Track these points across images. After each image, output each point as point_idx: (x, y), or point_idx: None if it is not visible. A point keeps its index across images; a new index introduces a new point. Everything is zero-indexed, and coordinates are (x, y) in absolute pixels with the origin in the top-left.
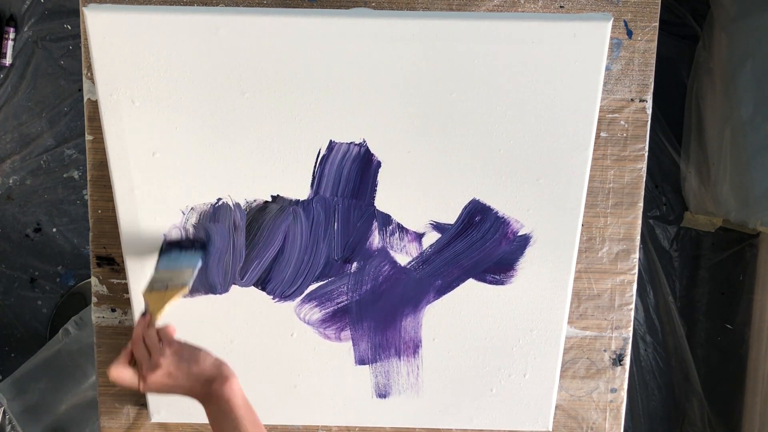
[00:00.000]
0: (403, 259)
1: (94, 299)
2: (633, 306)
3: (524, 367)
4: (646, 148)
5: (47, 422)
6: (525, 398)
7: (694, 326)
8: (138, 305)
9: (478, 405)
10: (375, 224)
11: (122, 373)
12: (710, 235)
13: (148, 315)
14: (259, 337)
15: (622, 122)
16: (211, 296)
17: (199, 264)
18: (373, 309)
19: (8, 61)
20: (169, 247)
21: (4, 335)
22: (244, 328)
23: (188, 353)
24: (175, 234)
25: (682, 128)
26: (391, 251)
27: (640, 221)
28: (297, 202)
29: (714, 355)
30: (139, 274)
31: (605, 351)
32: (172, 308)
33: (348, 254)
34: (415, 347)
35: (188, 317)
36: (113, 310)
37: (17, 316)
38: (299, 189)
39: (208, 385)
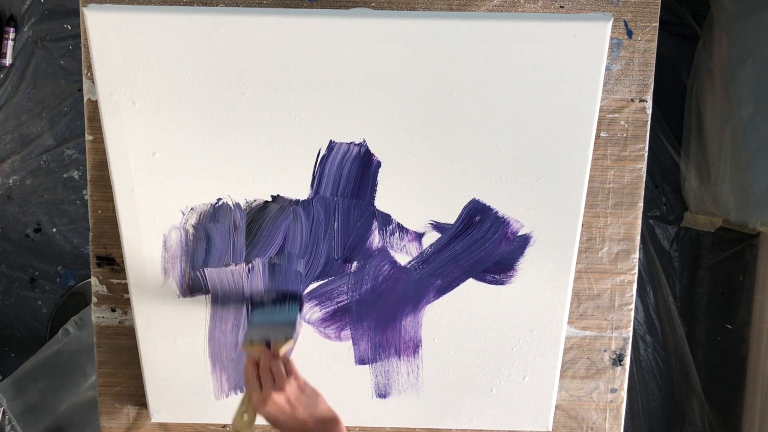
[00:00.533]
0: (403, 258)
1: (94, 299)
2: (633, 306)
3: (524, 368)
4: (646, 148)
5: (47, 422)
6: (525, 398)
7: (694, 326)
8: (138, 305)
9: (478, 405)
10: (375, 224)
11: (252, 382)
12: (710, 235)
13: (278, 343)
14: None
15: (622, 122)
16: (209, 296)
17: (299, 319)
18: (373, 308)
19: (8, 61)
20: (261, 302)
21: (4, 335)
22: None
23: (310, 391)
24: (268, 292)
25: (682, 128)
26: (391, 251)
27: (640, 221)
28: (297, 202)
29: (714, 355)
30: (140, 274)
31: (605, 351)
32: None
33: (348, 254)
34: (415, 347)
35: (188, 317)
36: (113, 310)
37: (17, 316)
38: (299, 189)
39: (325, 423)
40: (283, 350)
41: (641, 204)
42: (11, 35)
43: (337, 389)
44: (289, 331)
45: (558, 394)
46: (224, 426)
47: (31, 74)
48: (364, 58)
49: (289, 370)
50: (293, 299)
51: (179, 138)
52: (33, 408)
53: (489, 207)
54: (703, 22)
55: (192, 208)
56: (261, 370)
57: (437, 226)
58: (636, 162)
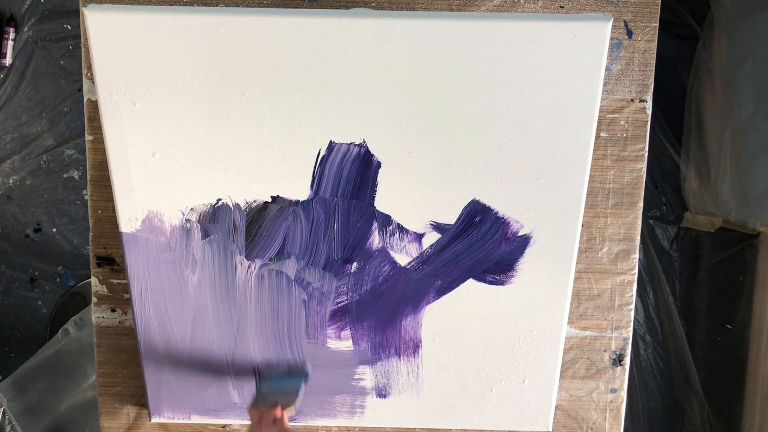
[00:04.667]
0: (403, 259)
1: (94, 299)
2: (633, 306)
3: (524, 368)
4: (646, 148)
5: (47, 422)
6: (525, 398)
7: (694, 326)
8: (138, 305)
9: (478, 405)
10: (375, 224)
11: None
12: (710, 235)
13: (278, 408)
14: None
15: (622, 122)
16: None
17: (303, 389)
18: (373, 309)
19: (8, 61)
20: (270, 371)
21: (4, 335)
22: None
23: None
24: (276, 361)
25: (682, 128)
26: (391, 251)
27: (640, 221)
28: (297, 202)
29: (714, 355)
30: (140, 274)
31: (605, 351)
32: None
33: (348, 254)
34: (415, 347)
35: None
36: (113, 310)
37: (17, 316)
38: (299, 189)
39: None
40: (284, 414)
41: (641, 204)
42: (11, 35)
43: (337, 390)
44: (292, 398)
45: (558, 394)
46: (224, 426)
47: (31, 74)
48: (364, 58)
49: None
50: (299, 371)
51: (179, 138)
52: (33, 408)
53: (489, 207)
54: (703, 22)
55: (192, 208)
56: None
57: (437, 227)
58: (636, 162)
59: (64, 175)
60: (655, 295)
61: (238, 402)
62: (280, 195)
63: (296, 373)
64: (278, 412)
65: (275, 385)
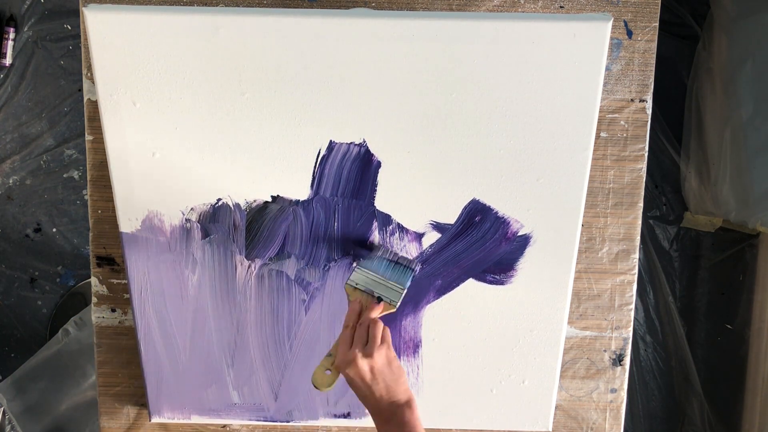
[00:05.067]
0: None
1: (94, 299)
2: (633, 306)
3: (524, 368)
4: (646, 148)
5: (47, 422)
6: (525, 398)
7: (694, 326)
8: (138, 305)
9: (478, 405)
10: (375, 224)
11: (345, 338)
12: (710, 236)
13: (382, 304)
14: None
15: (622, 122)
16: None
17: (408, 285)
18: None
19: (8, 61)
20: (385, 255)
21: (4, 335)
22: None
23: (396, 367)
24: (386, 249)
25: (682, 128)
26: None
27: (640, 221)
28: (297, 202)
29: (714, 355)
30: (140, 274)
31: (605, 351)
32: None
33: (348, 254)
34: (415, 347)
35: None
36: (113, 310)
37: (17, 316)
38: (299, 189)
39: (397, 406)
40: (384, 312)
41: (641, 204)
42: (11, 35)
43: (337, 389)
44: (394, 295)
45: (558, 394)
46: (224, 426)
47: (31, 74)
48: (364, 58)
49: (384, 338)
50: (408, 267)
51: (179, 138)
52: (33, 408)
53: (489, 207)
54: (703, 22)
55: (192, 208)
56: (359, 324)
57: (437, 227)
58: (636, 162)
59: (64, 175)
60: (655, 295)
61: (238, 402)
62: (280, 195)
63: (405, 267)
64: (380, 308)
65: (382, 269)
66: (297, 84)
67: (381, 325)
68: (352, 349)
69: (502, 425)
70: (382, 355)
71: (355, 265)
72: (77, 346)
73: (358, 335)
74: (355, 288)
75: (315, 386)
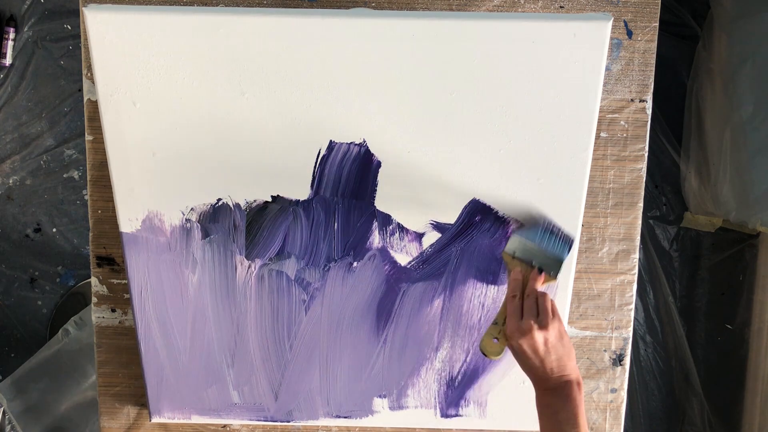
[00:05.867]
0: (403, 258)
1: (94, 299)
2: (633, 306)
3: None
4: (646, 148)
5: (47, 422)
6: (525, 398)
7: (694, 326)
8: (138, 305)
9: (478, 405)
10: (375, 224)
11: (514, 307)
12: (710, 236)
13: (544, 275)
14: None
15: (622, 122)
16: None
17: (565, 257)
18: None
19: (8, 61)
20: (547, 228)
21: (4, 335)
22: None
23: (567, 341)
24: (544, 219)
25: (682, 128)
26: (391, 251)
27: (640, 221)
28: (297, 202)
29: (714, 355)
30: (140, 274)
31: (605, 351)
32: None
33: (348, 254)
34: None
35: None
36: (113, 310)
37: (17, 316)
38: (299, 189)
39: (566, 381)
40: (545, 284)
41: (641, 204)
42: (11, 35)
43: (341, 396)
44: (554, 267)
45: None
46: (224, 426)
47: (31, 74)
48: (364, 58)
49: (554, 311)
50: (565, 241)
51: (179, 138)
52: (33, 408)
53: (489, 207)
54: (703, 22)
55: (192, 208)
56: (527, 295)
57: (437, 226)
58: (636, 162)
59: (64, 175)
60: (655, 295)
61: (239, 402)
62: (280, 195)
63: (563, 239)
64: (542, 278)
65: (539, 239)
66: (297, 84)
67: (550, 297)
68: (525, 319)
69: (502, 425)
70: (555, 328)
71: (511, 231)
72: (77, 346)
73: (527, 306)
74: (513, 257)
75: (484, 354)
